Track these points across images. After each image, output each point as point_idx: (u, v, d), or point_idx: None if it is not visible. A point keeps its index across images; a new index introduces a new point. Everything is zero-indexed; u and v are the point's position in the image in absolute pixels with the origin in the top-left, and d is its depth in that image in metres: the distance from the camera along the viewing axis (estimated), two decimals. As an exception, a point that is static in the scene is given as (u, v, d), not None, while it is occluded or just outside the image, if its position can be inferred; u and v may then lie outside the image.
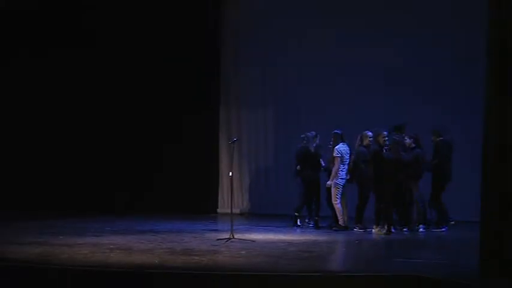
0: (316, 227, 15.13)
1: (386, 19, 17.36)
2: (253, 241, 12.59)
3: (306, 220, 15.48)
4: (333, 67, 17.69)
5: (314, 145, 15.32)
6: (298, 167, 15.41)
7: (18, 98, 18.68)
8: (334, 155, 14.71)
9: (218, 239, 12.66)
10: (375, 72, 17.34)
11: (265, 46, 18.53)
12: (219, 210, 18.40)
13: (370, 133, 14.56)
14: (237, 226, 13.46)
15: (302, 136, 15.52)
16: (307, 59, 18.01)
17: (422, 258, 10.97)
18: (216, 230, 14.33)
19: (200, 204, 18.08)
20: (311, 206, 15.41)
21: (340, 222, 14.71)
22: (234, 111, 18.85)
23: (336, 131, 15.01)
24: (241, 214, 17.84)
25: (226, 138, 18.18)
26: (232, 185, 14.65)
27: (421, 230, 14.50)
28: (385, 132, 14.41)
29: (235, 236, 12.70)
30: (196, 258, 10.52)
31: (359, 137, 14.70)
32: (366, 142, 14.58)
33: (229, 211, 14.51)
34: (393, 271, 9.53)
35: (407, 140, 14.68)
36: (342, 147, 14.78)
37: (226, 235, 12.76)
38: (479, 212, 9.01)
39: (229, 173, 14.91)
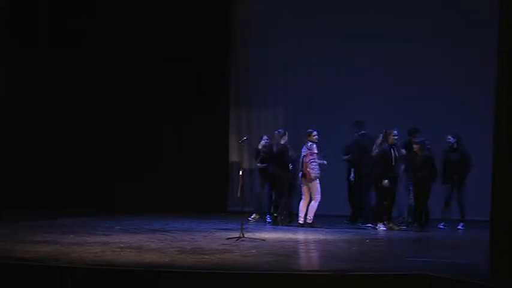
0: (275, 223, 15.49)
1: (398, 19, 17.37)
2: (263, 240, 12.60)
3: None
4: (344, 67, 17.69)
5: (282, 142, 15.60)
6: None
7: (20, 98, 18.64)
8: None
9: (228, 238, 12.67)
10: (386, 73, 17.36)
11: (275, 46, 18.56)
12: (229, 209, 18.41)
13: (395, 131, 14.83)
14: (247, 225, 13.46)
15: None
16: (318, 59, 18.02)
17: (432, 258, 10.95)
18: (226, 229, 14.33)
19: (210, 203, 18.10)
20: (271, 201, 15.83)
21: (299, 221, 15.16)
22: (244, 111, 18.87)
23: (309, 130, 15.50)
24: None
25: (236, 138, 18.21)
26: (243, 184, 14.66)
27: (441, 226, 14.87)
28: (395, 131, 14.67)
29: (245, 235, 12.70)
30: (206, 257, 10.52)
31: (381, 136, 14.84)
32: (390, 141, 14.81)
33: (239, 210, 14.52)
34: (403, 270, 9.52)
35: (451, 140, 14.78)
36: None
37: (236, 234, 12.77)
38: (488, 212, 8.99)
39: (239, 172, 14.93)
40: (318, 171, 15.07)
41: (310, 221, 15.03)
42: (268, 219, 15.75)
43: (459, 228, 14.83)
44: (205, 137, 18.26)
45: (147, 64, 18.45)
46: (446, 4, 17.13)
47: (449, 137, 14.93)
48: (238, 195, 13.98)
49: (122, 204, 17.93)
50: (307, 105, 18.31)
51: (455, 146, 14.88)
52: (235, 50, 18.88)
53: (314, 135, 15.24)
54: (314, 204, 15.07)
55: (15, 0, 18.70)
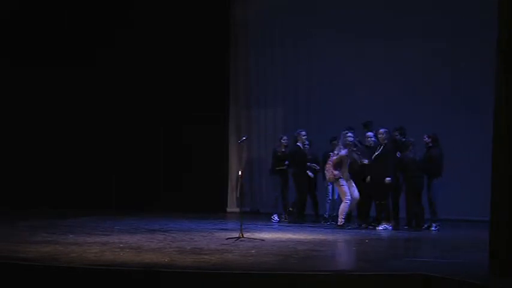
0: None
1: (398, 18, 17.38)
2: (263, 240, 12.60)
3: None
4: (344, 67, 17.71)
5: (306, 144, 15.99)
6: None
7: (25, 101, 18.71)
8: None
9: (227, 238, 12.67)
10: (386, 72, 17.37)
11: (274, 45, 18.59)
12: (228, 209, 18.42)
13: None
14: (247, 225, 13.46)
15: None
16: (317, 59, 18.05)
17: (430, 257, 10.95)
18: (225, 229, 14.33)
19: (209, 203, 18.11)
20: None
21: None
22: (244, 111, 18.88)
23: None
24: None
25: (235, 137, 18.22)
26: (242, 184, 14.67)
27: (433, 229, 14.66)
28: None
29: (245, 235, 12.70)
30: (205, 257, 10.51)
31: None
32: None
33: (238, 210, 14.54)
34: (403, 270, 9.52)
35: (426, 139, 14.77)
36: None
37: (236, 234, 12.77)
38: (485, 211, 8.99)
39: (238, 172, 14.95)
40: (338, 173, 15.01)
41: (340, 223, 14.92)
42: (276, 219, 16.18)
43: (433, 229, 14.74)
44: (204, 137, 18.26)
45: (146, 64, 18.48)
46: (447, 3, 17.12)
47: (425, 136, 14.91)
48: (238, 195, 14.00)
49: (121, 204, 17.94)
50: (306, 105, 18.32)
51: (430, 145, 14.84)
52: (235, 50, 18.90)
53: (349, 136, 15.04)
54: (342, 206, 14.97)
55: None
